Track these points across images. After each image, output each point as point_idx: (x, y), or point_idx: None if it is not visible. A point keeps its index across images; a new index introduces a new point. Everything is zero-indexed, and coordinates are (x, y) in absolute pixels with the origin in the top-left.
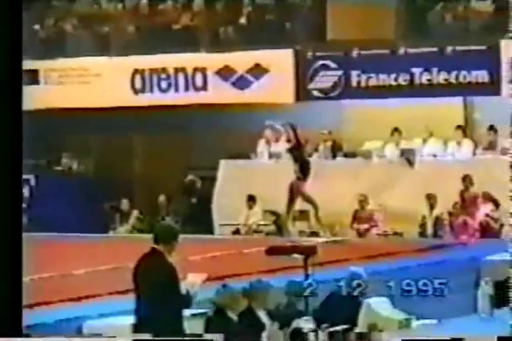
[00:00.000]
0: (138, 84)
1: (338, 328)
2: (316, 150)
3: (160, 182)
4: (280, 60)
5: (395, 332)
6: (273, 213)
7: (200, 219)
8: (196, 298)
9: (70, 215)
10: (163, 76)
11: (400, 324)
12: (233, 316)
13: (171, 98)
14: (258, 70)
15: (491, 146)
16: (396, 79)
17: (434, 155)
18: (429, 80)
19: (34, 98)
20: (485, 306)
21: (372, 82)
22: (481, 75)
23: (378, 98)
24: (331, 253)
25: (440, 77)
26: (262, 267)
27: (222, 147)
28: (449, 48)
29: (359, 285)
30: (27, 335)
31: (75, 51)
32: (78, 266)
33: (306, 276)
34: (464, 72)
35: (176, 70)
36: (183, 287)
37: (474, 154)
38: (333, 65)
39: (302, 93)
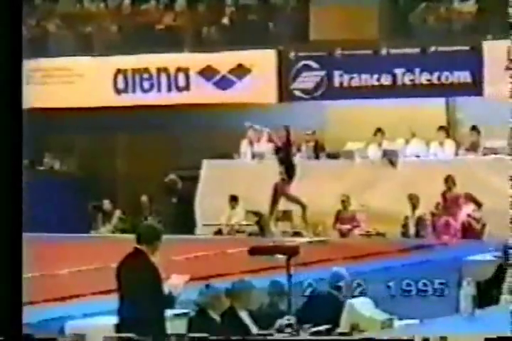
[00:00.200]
0: (120, 84)
1: (321, 328)
2: (299, 150)
3: (142, 182)
4: (263, 60)
5: (378, 332)
6: (256, 213)
7: (182, 219)
8: (179, 298)
9: (52, 215)
10: (146, 76)
11: (383, 324)
12: (216, 316)
13: (154, 98)
14: (241, 70)
15: (474, 147)
16: (379, 80)
17: (417, 156)
18: (411, 81)
19: None
20: (467, 306)
21: (355, 83)
22: (464, 76)
23: (361, 98)
24: (313, 254)
25: (423, 78)
26: (244, 267)
27: (205, 147)
28: (432, 49)
29: (341, 285)
30: (27, 335)
31: (58, 51)
32: (61, 266)
33: (289, 276)
34: (446, 73)
35: (159, 70)
36: (166, 288)
37: (457, 154)
38: (315, 65)
39: (285, 93)
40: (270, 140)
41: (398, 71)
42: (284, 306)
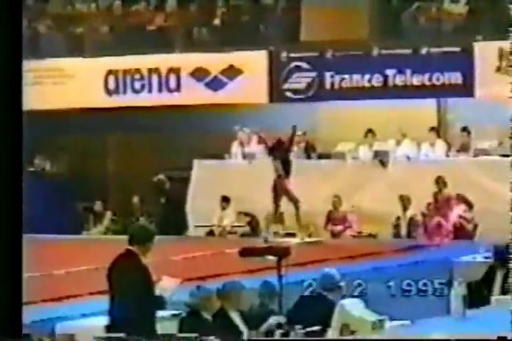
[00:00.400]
0: (111, 85)
1: (312, 329)
2: (290, 150)
3: (134, 183)
4: (254, 61)
5: (368, 332)
6: (247, 214)
7: (173, 220)
8: (170, 299)
9: (43, 217)
10: (137, 77)
11: (374, 325)
12: (207, 317)
13: (145, 99)
14: (232, 71)
15: (464, 148)
16: (370, 81)
17: (408, 157)
18: (402, 82)
19: None
20: (458, 307)
21: (346, 84)
22: (455, 77)
23: (352, 99)
24: (305, 254)
25: (414, 79)
26: (236, 268)
27: (196, 148)
28: (423, 50)
29: (332, 286)
30: (28, 335)
31: (49, 52)
32: (52, 267)
33: (280, 277)
34: (437, 74)
35: (150, 71)
36: (158, 290)
37: (447, 155)
38: (307, 66)
39: (276, 94)
40: (260, 141)
41: (389, 72)
42: (275, 307)
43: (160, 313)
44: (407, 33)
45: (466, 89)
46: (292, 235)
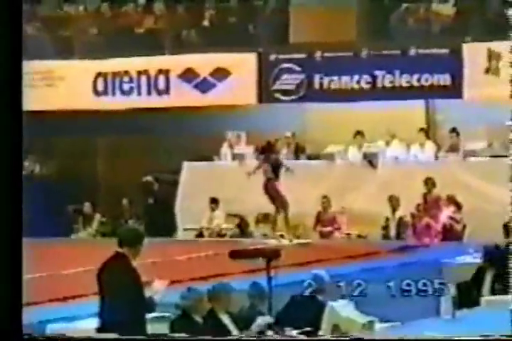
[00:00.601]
0: (100, 87)
1: (302, 330)
2: (279, 152)
3: (123, 185)
4: (243, 63)
5: (359, 334)
6: (236, 216)
7: (162, 222)
8: (161, 301)
9: (32, 219)
10: (126, 79)
11: (363, 326)
12: (198, 319)
13: (134, 101)
14: (221, 73)
15: (454, 148)
16: (359, 82)
17: (397, 158)
18: (391, 83)
19: None
20: (447, 308)
21: (335, 85)
22: (444, 78)
23: (341, 101)
24: (294, 256)
25: (403, 80)
26: (226, 270)
27: (185, 150)
28: (412, 51)
29: (322, 287)
30: (27, 334)
31: (38, 54)
32: (42, 270)
33: (269, 279)
34: (426, 75)
35: (139, 73)
36: (148, 292)
37: (437, 156)
38: (296, 68)
39: (265, 96)
40: (250, 143)
41: (378, 73)
42: (265, 308)
43: (150, 315)
44: (395, 34)
45: (454, 90)
46: (281, 237)
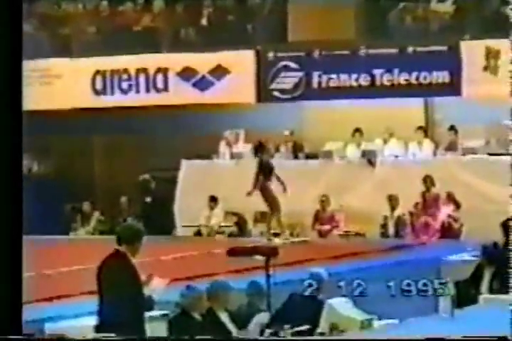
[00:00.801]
0: (99, 86)
1: (300, 328)
2: (278, 150)
3: (121, 183)
4: (241, 61)
5: (357, 332)
6: (235, 214)
7: (161, 220)
8: (159, 300)
9: (30, 217)
10: (125, 77)
11: (362, 324)
12: (196, 317)
13: (132, 99)
14: (219, 71)
15: (452, 147)
16: (357, 80)
17: (395, 156)
18: (390, 81)
19: None
20: (446, 306)
21: (334, 83)
22: (442, 76)
23: (339, 99)
24: (292, 254)
25: (401, 78)
26: (224, 268)
27: (184, 148)
28: (410, 49)
29: (320, 285)
30: (27, 334)
31: (36, 52)
32: (41, 268)
33: (268, 277)
34: (424, 73)
35: (138, 71)
36: (147, 290)
37: (435, 154)
38: (294, 66)
39: (264, 94)
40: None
41: (376, 71)
42: (264, 307)
43: (149, 313)
44: (394, 32)
45: (453, 88)
46: (279, 235)
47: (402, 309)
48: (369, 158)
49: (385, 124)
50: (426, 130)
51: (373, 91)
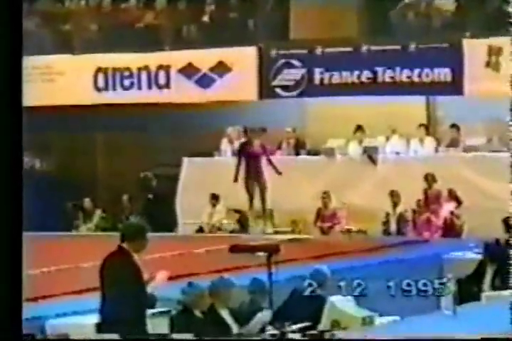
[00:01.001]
0: (101, 83)
1: (302, 326)
2: (280, 147)
3: (123, 180)
4: (244, 58)
5: (358, 329)
6: (237, 211)
7: (162, 217)
8: (161, 296)
9: (32, 214)
10: (126, 74)
11: (363, 321)
12: (198, 314)
13: (134, 96)
14: (221, 68)
15: (454, 144)
16: (359, 77)
17: (397, 153)
18: (392, 78)
19: None
20: (448, 303)
21: (336, 80)
22: (444, 73)
23: (341, 96)
24: (294, 251)
25: (403, 75)
26: (226, 265)
27: (186, 145)
28: (412, 46)
29: (322, 282)
30: (27, 334)
31: (38, 49)
32: (43, 265)
33: (270, 274)
34: (426, 70)
35: (139, 69)
36: (150, 287)
37: (437, 152)
38: (296, 63)
39: (266, 91)
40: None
41: (379, 68)
42: (265, 304)
43: (150, 310)
44: (396, 29)
45: (455, 86)
46: (281, 232)
47: (404, 306)
48: (371, 155)
49: (387, 121)
50: (428, 127)
51: (375, 88)
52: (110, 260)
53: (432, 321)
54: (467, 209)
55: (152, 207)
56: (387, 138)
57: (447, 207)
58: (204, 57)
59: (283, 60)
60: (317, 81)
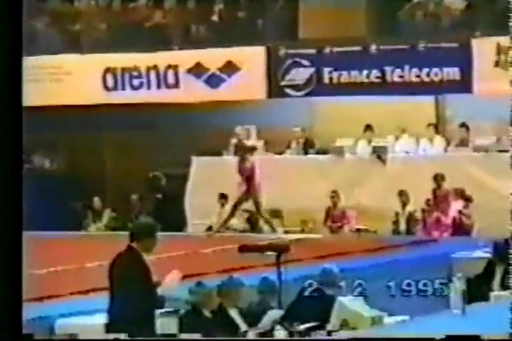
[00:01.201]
0: (110, 82)
1: (310, 325)
2: (289, 147)
3: (133, 180)
4: (252, 58)
5: (367, 329)
6: (246, 211)
7: (171, 217)
8: (170, 297)
9: (42, 213)
10: (135, 74)
11: (372, 321)
12: (207, 314)
13: (143, 96)
14: (230, 68)
15: (463, 143)
16: (368, 77)
17: (406, 152)
18: (401, 77)
19: None
20: (457, 302)
21: (344, 79)
22: (453, 73)
23: (350, 95)
24: (303, 251)
25: (412, 75)
26: (235, 265)
27: (195, 145)
28: (421, 45)
29: (331, 282)
30: (27, 334)
31: (47, 49)
32: (52, 264)
33: (279, 274)
34: (435, 70)
35: (148, 68)
36: (162, 287)
37: (446, 151)
38: (305, 63)
39: (274, 90)
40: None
41: (387, 68)
42: (275, 303)
43: (159, 310)
44: (404, 28)
45: (464, 85)
46: (290, 232)
47: (413, 305)
48: (380, 155)
49: (396, 121)
50: (437, 126)
51: (384, 87)
52: (119, 259)
53: (440, 321)
54: (476, 208)
55: (161, 206)
56: (397, 138)
57: (456, 207)
58: (213, 57)
59: (292, 60)
60: (326, 80)
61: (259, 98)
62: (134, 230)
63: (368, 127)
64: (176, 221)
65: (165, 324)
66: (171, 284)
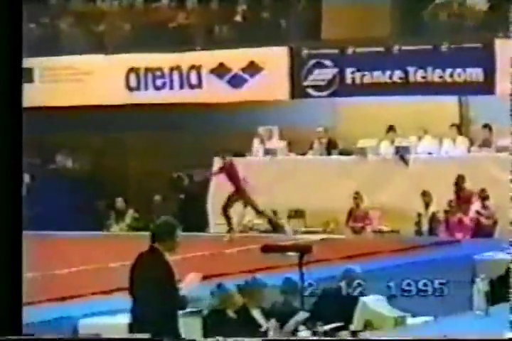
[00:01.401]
0: (133, 83)
1: (334, 326)
2: (311, 147)
3: (155, 180)
4: (275, 58)
5: (390, 329)
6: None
7: (194, 217)
8: (192, 297)
9: (64, 214)
10: (158, 74)
11: (396, 321)
12: (230, 314)
13: (166, 96)
14: (253, 68)
15: (486, 144)
16: (391, 77)
17: (429, 153)
18: (423, 78)
19: (28, 96)
20: (480, 303)
21: (367, 80)
22: (476, 73)
23: (373, 95)
24: (326, 251)
25: (435, 75)
26: (258, 265)
27: (217, 145)
28: (444, 46)
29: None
30: (28, 334)
31: (71, 49)
32: (75, 264)
33: (302, 274)
34: (458, 70)
35: (171, 69)
36: (182, 288)
37: (469, 152)
38: (328, 63)
39: (297, 91)
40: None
41: (410, 68)
42: (297, 304)
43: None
44: (428, 29)
45: (487, 86)
46: (313, 232)
47: (436, 307)
48: (403, 155)
49: (419, 121)
50: (460, 127)
51: (407, 88)
52: (142, 260)
53: (463, 321)
54: (499, 209)
55: (184, 207)
56: (419, 138)
57: (478, 208)
58: (235, 57)
59: (314, 60)
60: (349, 81)
61: (281, 98)
62: (155, 231)
63: (391, 128)
64: (198, 221)
65: (189, 324)
66: (190, 285)
